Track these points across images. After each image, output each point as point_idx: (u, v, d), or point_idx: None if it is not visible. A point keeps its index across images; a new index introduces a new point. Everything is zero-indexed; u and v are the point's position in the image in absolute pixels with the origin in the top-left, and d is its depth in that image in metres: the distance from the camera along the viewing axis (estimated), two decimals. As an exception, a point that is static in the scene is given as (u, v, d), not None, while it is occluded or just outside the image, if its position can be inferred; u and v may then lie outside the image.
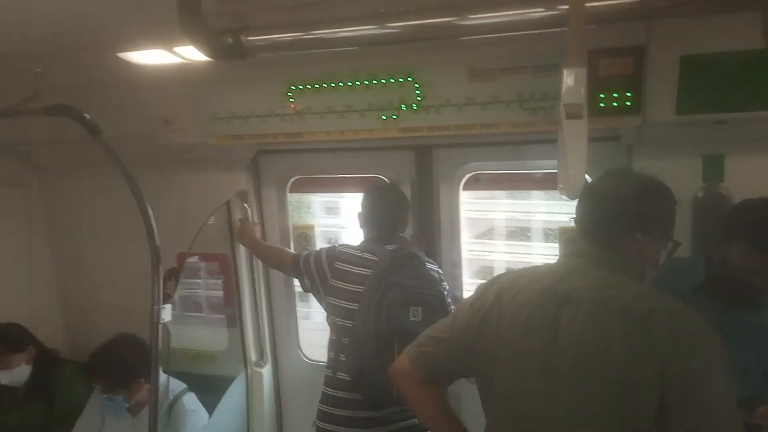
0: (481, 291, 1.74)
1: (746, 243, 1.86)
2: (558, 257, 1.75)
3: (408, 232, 2.85)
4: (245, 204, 3.22)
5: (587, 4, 1.27)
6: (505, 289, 1.65)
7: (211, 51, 1.55)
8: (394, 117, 2.51)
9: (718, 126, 2.22)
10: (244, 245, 3.20)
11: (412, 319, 2.41)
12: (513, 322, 1.59)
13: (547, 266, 1.72)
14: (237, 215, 3.21)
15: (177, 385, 2.98)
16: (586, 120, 1.32)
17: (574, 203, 1.69)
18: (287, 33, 1.56)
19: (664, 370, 1.36)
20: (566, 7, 1.28)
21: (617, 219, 1.58)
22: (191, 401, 2.95)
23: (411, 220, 2.81)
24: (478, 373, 1.71)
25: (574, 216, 1.69)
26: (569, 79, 1.33)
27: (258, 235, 3.17)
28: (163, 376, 2.78)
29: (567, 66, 1.34)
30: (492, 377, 1.64)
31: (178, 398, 2.92)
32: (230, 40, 1.50)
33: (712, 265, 2.05)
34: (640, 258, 1.60)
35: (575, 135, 1.28)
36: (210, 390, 3.12)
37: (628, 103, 2.20)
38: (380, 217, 2.68)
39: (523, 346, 1.56)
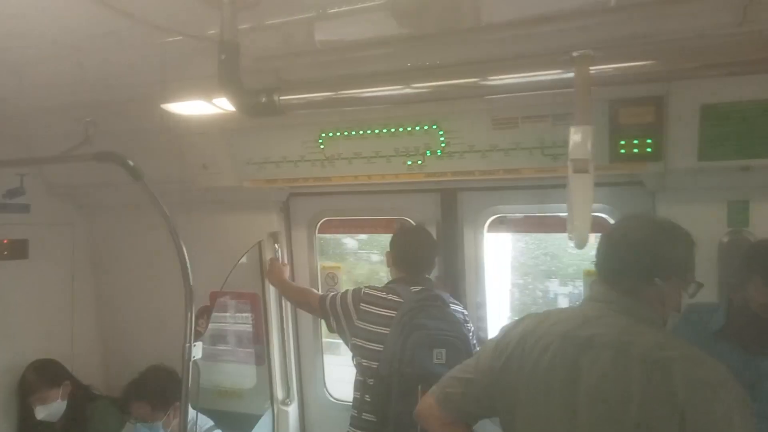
0: (504, 333, 1.76)
1: (760, 278, 1.88)
2: (581, 301, 1.76)
3: (433, 274, 2.90)
4: (276, 245, 3.31)
5: (593, 68, 1.35)
6: (529, 333, 1.66)
7: (246, 109, 1.68)
8: (420, 162, 2.60)
9: (742, 172, 2.24)
10: (272, 284, 3.29)
11: (435, 361, 2.43)
12: (535, 366, 1.60)
13: (569, 310, 1.76)
14: (267, 255, 3.30)
15: (204, 421, 3.06)
16: (592, 174, 1.38)
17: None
18: (318, 91, 1.67)
19: (684, 419, 1.37)
20: (572, 74, 1.36)
21: (635, 265, 1.59)
22: None
23: (435, 264, 2.86)
24: (501, 413, 1.72)
25: (594, 261, 1.71)
26: (576, 136, 1.40)
27: (287, 275, 3.25)
28: (192, 412, 2.84)
29: (575, 124, 1.41)
30: (514, 419, 1.66)
31: None
32: (264, 99, 1.63)
33: (732, 309, 2.05)
34: (660, 303, 1.61)
35: (581, 188, 1.35)
36: (236, 427, 3.17)
37: (649, 150, 2.24)
38: (411, 258, 2.72)
39: (544, 390, 1.58)
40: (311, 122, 2.67)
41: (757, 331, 1.94)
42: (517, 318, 1.84)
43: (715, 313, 2.10)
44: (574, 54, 1.33)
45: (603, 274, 1.67)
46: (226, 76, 1.57)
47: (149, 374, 3.04)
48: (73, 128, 2.69)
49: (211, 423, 3.07)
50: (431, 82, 1.58)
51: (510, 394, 1.66)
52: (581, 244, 1.37)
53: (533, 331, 1.66)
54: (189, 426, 2.89)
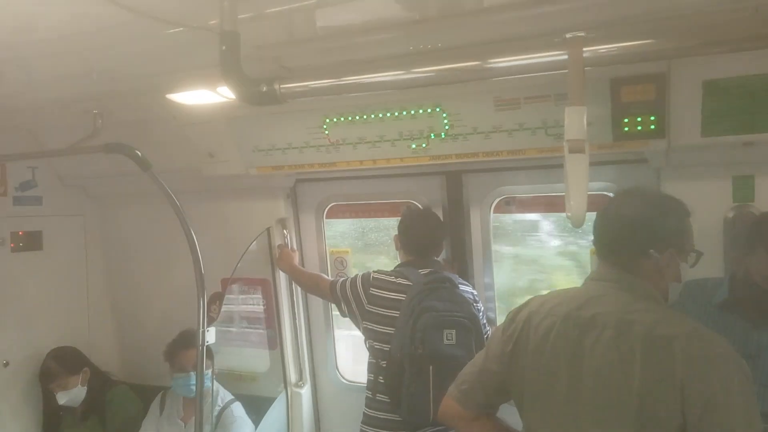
0: (511, 317, 1.77)
1: (763, 250, 1.90)
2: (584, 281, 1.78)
3: (442, 256, 2.93)
4: (284, 231, 3.35)
5: (590, 49, 1.36)
6: (533, 314, 1.69)
7: (248, 98, 1.70)
8: (424, 145, 2.62)
9: (745, 147, 2.24)
10: (282, 270, 3.34)
11: (446, 342, 2.48)
12: (539, 348, 1.63)
13: (572, 290, 1.76)
14: (276, 242, 3.35)
15: (226, 394, 3.17)
16: (587, 155, 1.39)
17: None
18: (320, 78, 1.69)
19: (684, 394, 1.39)
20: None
21: (629, 240, 1.61)
22: (239, 410, 3.14)
23: (444, 245, 2.89)
24: (515, 397, 1.74)
25: (593, 240, 1.74)
26: (571, 117, 1.41)
27: (296, 261, 3.30)
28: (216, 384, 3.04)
29: (568, 105, 1.43)
30: (523, 400, 1.68)
31: (227, 406, 3.11)
32: (265, 88, 1.65)
33: (735, 282, 2.06)
34: (659, 276, 1.63)
35: (577, 168, 1.36)
36: (251, 410, 3.24)
37: (653, 127, 2.23)
38: (418, 240, 2.76)
39: (549, 371, 1.60)
40: (315, 108, 2.68)
41: (759, 303, 1.96)
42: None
43: (719, 287, 2.12)
44: (567, 36, 1.34)
45: (601, 251, 1.69)
46: (228, 66, 1.60)
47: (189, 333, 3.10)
48: (82, 120, 2.73)
49: (231, 396, 3.18)
50: (432, 66, 1.59)
51: (519, 377, 1.68)
52: (578, 223, 1.40)
53: (537, 312, 1.68)
54: (213, 396, 3.05)
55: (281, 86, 1.65)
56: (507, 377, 1.72)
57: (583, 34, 1.35)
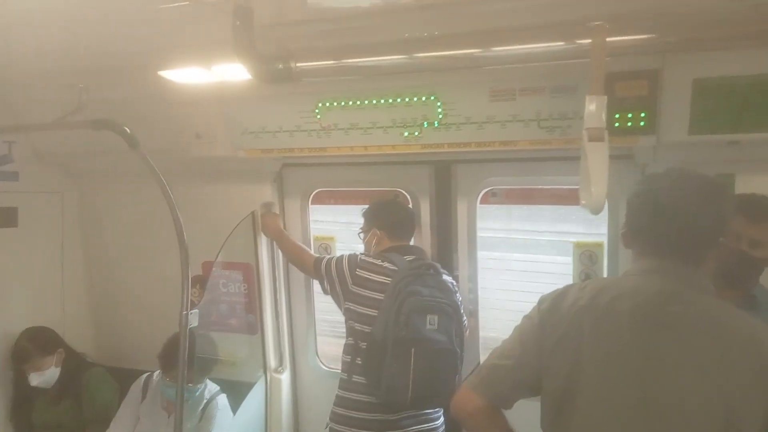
0: (548, 308, 1.61)
1: (743, 217, 1.92)
2: (627, 271, 1.63)
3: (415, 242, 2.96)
4: (270, 200, 3.31)
5: (609, 39, 1.39)
6: (584, 308, 1.52)
7: (262, 75, 1.68)
8: (416, 133, 2.62)
9: (729, 146, 2.30)
10: (267, 235, 3.29)
11: (428, 327, 2.51)
12: (602, 348, 1.48)
13: (622, 281, 1.60)
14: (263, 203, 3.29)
15: (213, 386, 3.14)
16: (607, 142, 1.42)
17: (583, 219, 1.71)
18: (328, 59, 1.67)
19: None
20: (588, 40, 1.39)
21: (700, 231, 1.47)
22: (223, 401, 3.12)
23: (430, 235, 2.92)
24: (550, 394, 1.59)
25: (630, 230, 1.58)
26: (591, 106, 1.43)
27: (281, 225, 3.26)
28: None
29: (589, 93, 1.45)
30: (569, 401, 1.53)
31: (213, 398, 3.08)
32: (281, 66, 1.63)
33: (721, 256, 2.10)
34: (710, 266, 1.53)
35: (597, 156, 1.38)
36: (230, 395, 3.21)
37: (643, 123, 2.28)
38: (401, 225, 2.83)
39: (616, 371, 1.46)
40: (308, 92, 2.66)
41: (747, 268, 1.99)
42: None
43: None
44: (592, 24, 1.36)
45: (663, 243, 1.50)
46: (241, 42, 1.57)
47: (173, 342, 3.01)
48: (63, 95, 2.65)
49: (217, 387, 3.15)
50: (443, 50, 1.60)
51: (565, 376, 1.53)
52: (598, 210, 1.40)
53: (589, 306, 1.52)
54: (201, 389, 3.03)
55: (297, 64, 1.63)
56: (544, 373, 1.57)
57: (606, 24, 1.37)
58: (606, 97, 1.44)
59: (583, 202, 1.51)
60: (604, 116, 1.44)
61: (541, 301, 1.65)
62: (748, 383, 1.35)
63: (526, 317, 1.67)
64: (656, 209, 1.49)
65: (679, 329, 1.42)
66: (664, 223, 1.48)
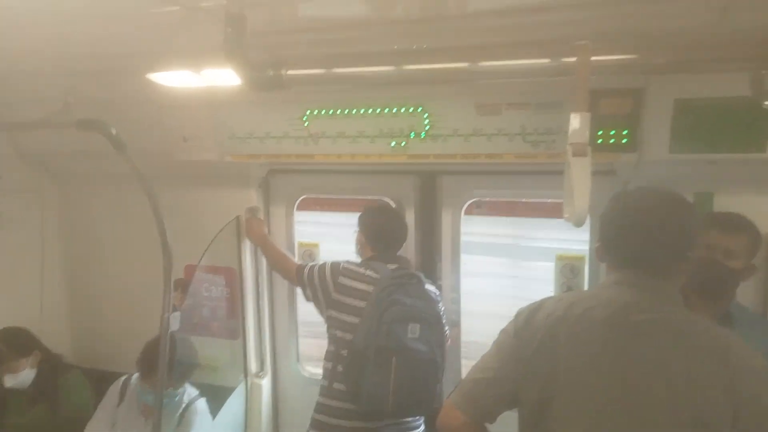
0: (525, 319, 1.64)
1: (716, 231, 2.05)
2: (600, 285, 1.70)
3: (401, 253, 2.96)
4: (255, 205, 3.30)
5: (592, 58, 1.42)
6: (559, 319, 1.56)
7: (253, 82, 1.69)
8: (403, 144, 2.64)
9: (708, 165, 2.36)
10: (251, 241, 3.28)
11: (410, 336, 2.52)
12: (574, 355, 1.53)
13: (595, 294, 1.64)
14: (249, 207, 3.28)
15: (192, 390, 3.10)
16: (590, 158, 1.45)
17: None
18: (316, 68, 1.69)
19: (738, 408, 1.38)
20: (572, 59, 1.43)
21: (671, 244, 1.52)
22: (202, 405, 3.08)
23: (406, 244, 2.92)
24: (526, 405, 1.63)
25: (603, 244, 1.63)
26: (576, 122, 1.47)
27: (266, 231, 3.26)
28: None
29: (574, 110, 1.48)
30: (548, 410, 1.56)
31: (192, 402, 3.03)
32: (271, 73, 1.64)
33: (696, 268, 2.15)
34: (681, 280, 1.59)
35: (580, 170, 1.41)
36: (210, 399, 3.18)
37: (625, 141, 2.34)
38: (385, 236, 2.81)
39: (591, 382, 1.50)
40: (297, 99, 2.68)
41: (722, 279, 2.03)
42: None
43: None
44: (578, 43, 1.40)
45: (628, 257, 1.57)
46: (233, 48, 1.58)
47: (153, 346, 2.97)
48: (49, 94, 2.63)
49: (197, 392, 3.11)
50: (431, 63, 1.62)
51: (542, 385, 1.56)
52: (580, 223, 1.43)
53: (564, 317, 1.56)
54: (181, 394, 2.99)
55: (288, 72, 1.64)
56: (521, 384, 1.60)
57: (590, 43, 1.40)
58: (590, 113, 1.47)
59: (566, 215, 1.55)
60: (587, 132, 1.47)
61: (517, 315, 1.69)
62: (715, 390, 1.39)
63: (503, 331, 1.70)
64: (625, 224, 1.56)
65: (647, 337, 1.47)
66: (632, 237, 1.55)
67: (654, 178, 2.47)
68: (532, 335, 1.59)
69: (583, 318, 1.54)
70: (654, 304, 1.51)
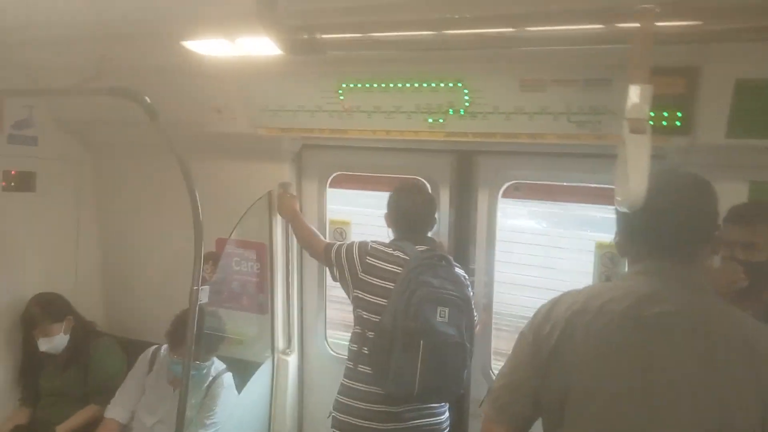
0: (543, 316, 1.58)
1: (731, 224, 1.94)
2: (621, 276, 1.66)
3: (433, 233, 2.87)
4: (287, 180, 3.27)
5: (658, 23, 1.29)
6: (578, 313, 1.50)
7: (287, 46, 1.61)
8: (441, 120, 2.54)
9: (766, 152, 2.20)
10: (283, 216, 3.24)
11: (439, 319, 2.45)
12: (593, 352, 1.45)
13: (617, 285, 1.58)
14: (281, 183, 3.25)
15: (219, 364, 3.12)
16: (649, 135, 1.33)
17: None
18: (352, 32, 1.60)
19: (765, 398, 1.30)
20: (632, 24, 1.31)
21: (694, 228, 1.47)
22: (228, 379, 3.10)
23: (437, 221, 2.82)
24: (548, 408, 1.55)
25: (622, 236, 1.59)
26: (635, 95, 1.34)
27: (297, 207, 3.21)
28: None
29: (632, 82, 1.36)
30: (564, 407, 1.50)
31: (219, 375, 3.06)
32: (306, 36, 1.56)
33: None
34: (706, 261, 1.54)
35: (638, 149, 1.29)
36: (237, 374, 3.20)
37: (678, 123, 2.19)
38: (412, 216, 2.70)
39: (608, 376, 1.43)
40: (332, 71, 2.59)
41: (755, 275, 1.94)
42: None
43: None
44: (642, 6, 1.27)
45: (652, 242, 1.51)
46: (266, 10, 1.50)
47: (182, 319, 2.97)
48: (83, 62, 2.61)
49: (224, 366, 3.13)
50: (473, 29, 1.50)
51: (562, 381, 1.49)
52: (636, 207, 1.31)
53: (583, 310, 1.49)
54: (208, 367, 3.01)
55: (322, 36, 1.56)
56: (543, 384, 1.53)
57: (656, 7, 1.28)
58: (651, 86, 1.34)
59: (618, 198, 1.43)
60: (648, 107, 1.35)
61: (536, 314, 1.63)
62: (741, 382, 1.32)
63: (521, 333, 1.64)
64: (643, 212, 1.48)
65: (668, 329, 1.40)
66: (651, 223, 1.49)
67: (706, 163, 2.33)
68: (550, 332, 1.53)
69: (601, 311, 1.47)
70: (677, 293, 1.44)
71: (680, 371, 1.36)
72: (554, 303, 1.59)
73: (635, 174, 1.26)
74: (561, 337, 1.50)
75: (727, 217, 2.01)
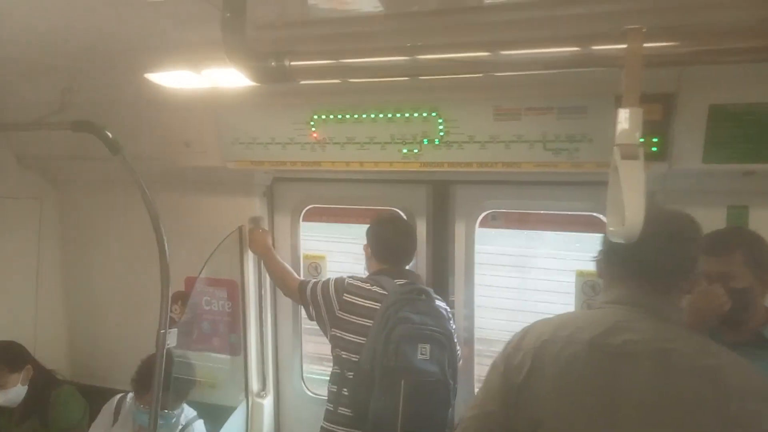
0: (514, 346, 1.58)
1: (705, 255, 1.85)
2: (591, 305, 1.66)
3: (411, 265, 2.81)
4: (258, 215, 3.17)
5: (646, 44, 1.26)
6: (548, 342, 1.51)
7: (254, 74, 1.54)
8: (416, 151, 2.50)
9: (744, 177, 2.21)
10: (254, 252, 3.13)
11: (420, 356, 2.36)
12: (561, 378, 1.46)
13: (588, 314, 1.61)
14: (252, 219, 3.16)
15: (189, 411, 2.98)
16: (642, 160, 1.29)
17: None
18: (323, 59, 1.55)
19: (735, 429, 1.29)
20: (623, 46, 1.27)
21: (674, 261, 1.48)
22: (201, 427, 2.97)
23: (416, 256, 2.77)
24: (518, 429, 1.54)
25: (604, 261, 1.59)
26: (624, 119, 1.30)
27: (270, 242, 3.11)
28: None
29: (623, 106, 1.32)
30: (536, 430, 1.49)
31: (189, 423, 2.92)
32: (273, 63, 1.50)
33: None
34: (682, 299, 1.54)
35: (631, 176, 1.24)
36: (209, 419, 3.05)
37: (655, 149, 2.18)
38: (392, 249, 2.66)
39: (575, 403, 1.44)
40: (303, 103, 2.55)
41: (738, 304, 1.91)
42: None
43: None
44: (629, 27, 1.24)
45: (630, 267, 1.52)
46: (232, 35, 1.43)
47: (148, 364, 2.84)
48: (47, 96, 2.51)
49: (194, 413, 2.98)
50: (453, 53, 1.46)
51: (533, 411, 1.49)
52: (632, 237, 1.25)
53: (552, 340, 1.50)
54: (177, 415, 2.88)
55: (291, 63, 1.49)
56: (514, 414, 1.52)
57: (644, 27, 1.24)
58: (642, 109, 1.31)
59: (611, 228, 1.38)
60: (639, 131, 1.31)
61: (507, 344, 1.63)
62: (706, 412, 1.31)
63: (493, 363, 1.63)
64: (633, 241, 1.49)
65: (632, 358, 1.40)
66: (632, 249, 1.44)
67: (684, 189, 2.33)
68: (521, 362, 1.53)
69: (569, 341, 1.48)
70: (642, 323, 1.45)
71: (644, 400, 1.35)
72: (525, 332, 1.59)
73: (631, 202, 1.21)
74: (531, 367, 1.50)
75: (701, 247, 1.98)
